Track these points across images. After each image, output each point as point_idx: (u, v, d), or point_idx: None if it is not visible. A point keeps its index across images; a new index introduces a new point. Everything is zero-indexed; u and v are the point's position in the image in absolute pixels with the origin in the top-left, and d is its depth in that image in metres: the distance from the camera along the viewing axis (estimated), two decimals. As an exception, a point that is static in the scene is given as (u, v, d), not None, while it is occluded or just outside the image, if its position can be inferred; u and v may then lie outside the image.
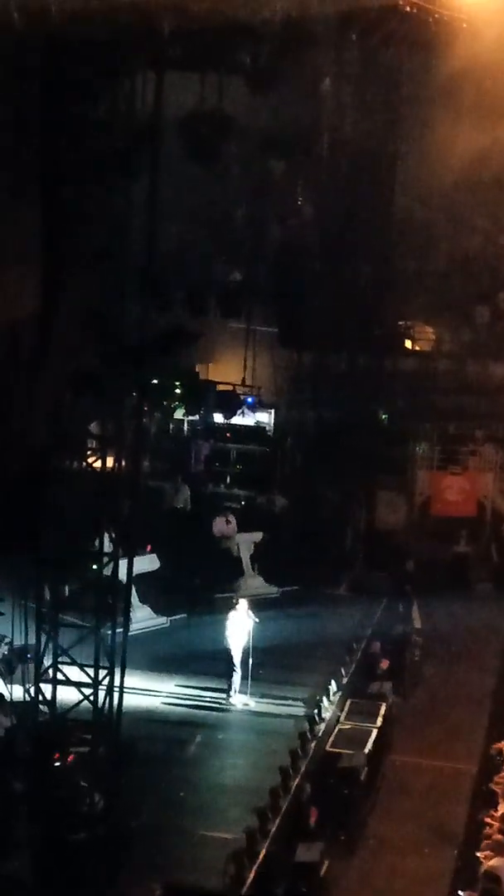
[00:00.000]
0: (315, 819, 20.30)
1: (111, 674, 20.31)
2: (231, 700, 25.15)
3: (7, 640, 23.68)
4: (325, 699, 25.01)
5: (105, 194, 18.79)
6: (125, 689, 20.71)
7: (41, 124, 17.57)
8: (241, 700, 25.17)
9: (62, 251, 18.13)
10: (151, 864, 19.49)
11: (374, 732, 23.18)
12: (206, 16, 18.30)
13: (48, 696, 20.51)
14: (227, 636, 25.13)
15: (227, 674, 25.22)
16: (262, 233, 35.25)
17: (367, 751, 22.54)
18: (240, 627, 25.16)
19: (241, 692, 25.19)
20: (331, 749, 22.73)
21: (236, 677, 25.14)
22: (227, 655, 25.14)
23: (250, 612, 25.33)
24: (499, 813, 20.29)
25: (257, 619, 25.32)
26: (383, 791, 22.80)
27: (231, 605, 25.72)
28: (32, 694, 20.76)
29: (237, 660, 25.09)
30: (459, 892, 19.07)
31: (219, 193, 32.82)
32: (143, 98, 19.33)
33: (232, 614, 25.29)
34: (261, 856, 19.73)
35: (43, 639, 20.53)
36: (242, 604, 25.49)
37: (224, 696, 25.19)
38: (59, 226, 17.97)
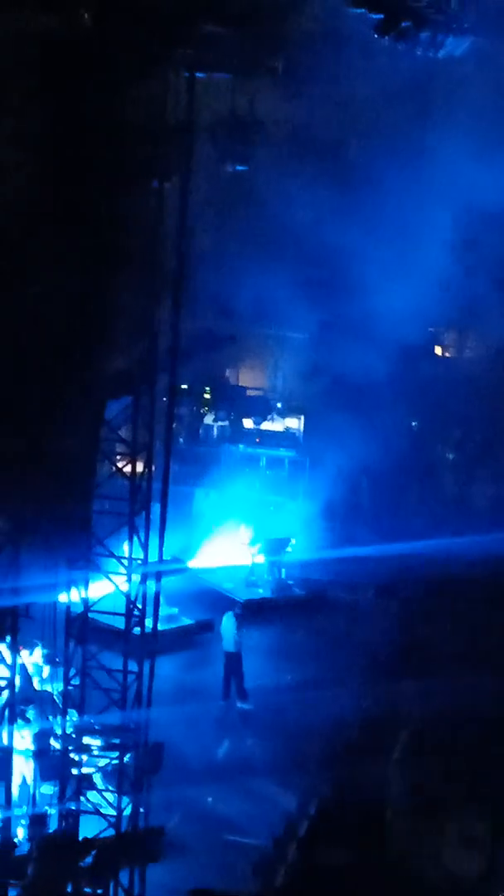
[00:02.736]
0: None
1: (139, 678, 20.27)
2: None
3: (37, 644, 23.62)
4: None
5: (139, 198, 18.73)
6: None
7: (77, 127, 17.49)
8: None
9: (96, 255, 18.06)
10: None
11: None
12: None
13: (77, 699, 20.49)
14: (230, 639, 25.42)
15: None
16: (293, 238, 35.15)
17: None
18: (240, 631, 25.45)
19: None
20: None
21: (235, 679, 25.44)
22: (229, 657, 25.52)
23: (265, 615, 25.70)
24: None
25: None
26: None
27: (250, 610, 26.04)
28: (62, 697, 20.75)
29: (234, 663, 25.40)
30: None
31: (250, 197, 32.77)
32: (176, 101, 19.27)
33: (227, 618, 25.69)
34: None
35: (71, 644, 20.49)
36: (237, 608, 25.97)
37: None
38: (95, 230, 17.89)
